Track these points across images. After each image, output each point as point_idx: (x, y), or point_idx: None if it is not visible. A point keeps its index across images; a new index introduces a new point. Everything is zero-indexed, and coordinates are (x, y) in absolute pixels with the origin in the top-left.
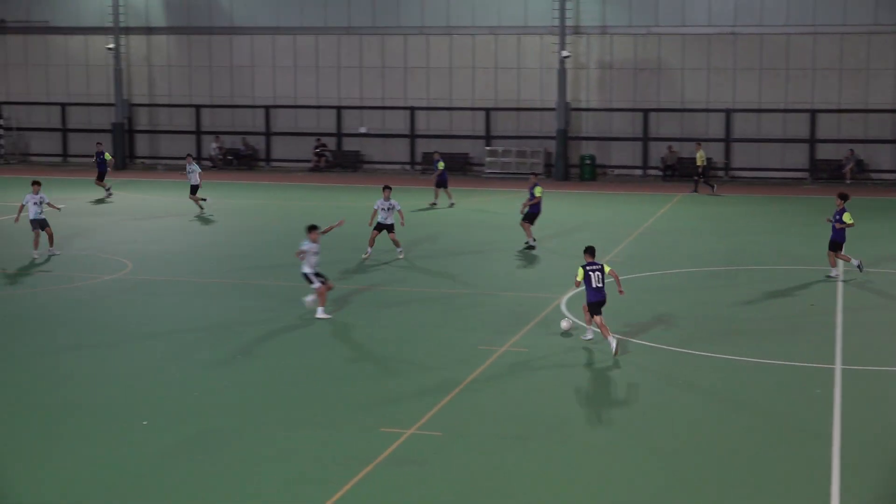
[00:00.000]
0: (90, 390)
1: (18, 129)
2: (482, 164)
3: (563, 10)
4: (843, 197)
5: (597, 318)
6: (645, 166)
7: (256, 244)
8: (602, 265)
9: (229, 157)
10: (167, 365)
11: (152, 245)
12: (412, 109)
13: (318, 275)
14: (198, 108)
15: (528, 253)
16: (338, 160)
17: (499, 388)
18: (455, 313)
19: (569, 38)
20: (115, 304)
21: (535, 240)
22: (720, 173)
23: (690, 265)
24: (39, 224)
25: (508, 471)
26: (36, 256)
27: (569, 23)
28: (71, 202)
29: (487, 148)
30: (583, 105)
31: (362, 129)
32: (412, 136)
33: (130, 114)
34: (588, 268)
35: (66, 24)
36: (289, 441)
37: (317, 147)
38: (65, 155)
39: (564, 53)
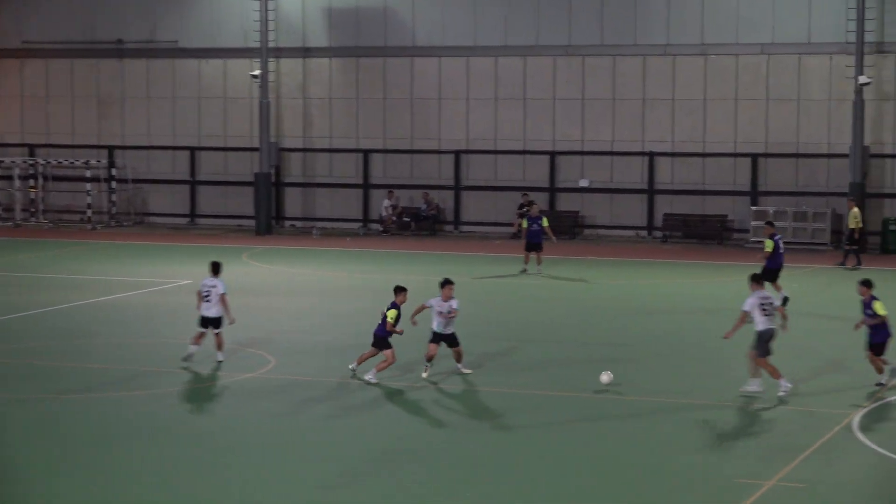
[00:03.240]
0: None
1: (135, 181)
2: (746, 231)
3: (861, 20)
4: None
5: None
6: None
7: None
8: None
9: (406, 219)
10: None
11: (300, 334)
12: (651, 155)
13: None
14: (366, 153)
15: (801, 353)
16: (549, 223)
17: None
18: (702, 433)
19: (869, 59)
20: (250, 412)
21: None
22: None
23: None
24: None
25: None
26: None
27: (869, 38)
28: (200, 277)
29: (754, 208)
30: (888, 150)
31: (584, 182)
32: (650, 192)
33: (279, 161)
34: None
35: (199, 45)
36: None
37: (522, 206)
38: (193, 215)
39: (863, 79)
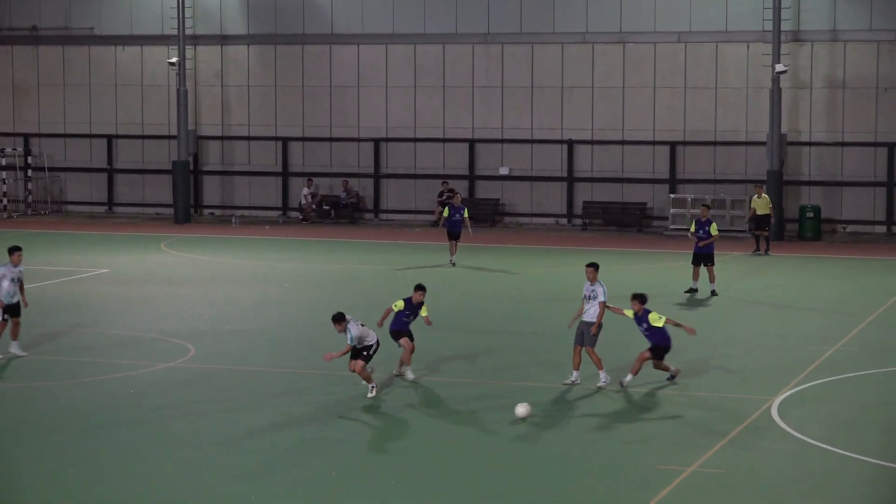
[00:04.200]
0: None
1: (51, 169)
2: (665, 218)
3: (778, 9)
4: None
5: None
6: (890, 221)
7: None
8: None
9: (325, 207)
10: (240, 488)
11: (220, 323)
12: (570, 143)
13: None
14: (285, 141)
15: (724, 340)
16: (469, 211)
17: None
18: (622, 420)
19: (786, 47)
20: (170, 402)
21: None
22: None
23: None
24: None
25: None
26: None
27: (786, 26)
28: (118, 266)
29: (672, 195)
30: (804, 138)
31: (503, 170)
32: (570, 180)
33: (197, 149)
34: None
35: (116, 33)
36: None
37: (442, 193)
38: (110, 203)
39: (779, 67)
